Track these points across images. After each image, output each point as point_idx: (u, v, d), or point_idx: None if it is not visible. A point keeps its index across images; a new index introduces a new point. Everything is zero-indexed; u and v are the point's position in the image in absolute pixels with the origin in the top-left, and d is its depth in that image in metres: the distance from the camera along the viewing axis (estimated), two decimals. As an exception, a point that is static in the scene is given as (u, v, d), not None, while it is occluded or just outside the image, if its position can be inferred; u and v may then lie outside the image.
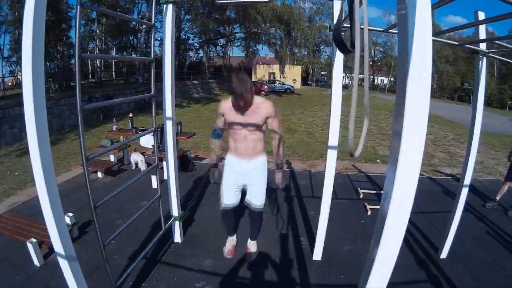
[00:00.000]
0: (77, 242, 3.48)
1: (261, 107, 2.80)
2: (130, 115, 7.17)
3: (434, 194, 5.35)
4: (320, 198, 3.10)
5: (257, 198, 3.12)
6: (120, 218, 3.95)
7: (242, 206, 3.29)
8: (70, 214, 3.47)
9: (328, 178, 3.03)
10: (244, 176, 3.07)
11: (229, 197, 3.15)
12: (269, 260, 3.37)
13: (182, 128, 6.59)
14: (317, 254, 3.36)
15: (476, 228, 4.04)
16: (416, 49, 1.07)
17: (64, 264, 1.91)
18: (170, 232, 3.57)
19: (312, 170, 6.59)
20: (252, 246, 3.42)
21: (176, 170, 3.37)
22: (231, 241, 3.52)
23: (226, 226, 3.49)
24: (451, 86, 41.66)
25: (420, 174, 5.64)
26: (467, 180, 3.06)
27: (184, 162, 6.03)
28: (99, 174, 5.54)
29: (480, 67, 2.83)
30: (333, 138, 2.92)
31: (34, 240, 3.00)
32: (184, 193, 4.97)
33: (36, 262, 3.03)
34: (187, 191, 5.13)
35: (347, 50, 1.15)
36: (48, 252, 3.19)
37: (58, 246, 1.84)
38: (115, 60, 26.17)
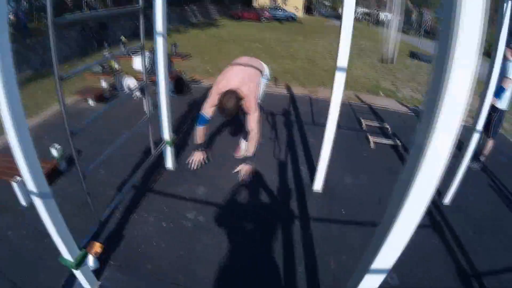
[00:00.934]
0: (66, 175, 3.15)
1: (243, 105, 2.83)
2: (122, 38, 6.49)
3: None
4: (320, 125, 2.74)
5: None
6: (109, 146, 3.57)
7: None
8: (57, 146, 3.13)
9: (334, 103, 2.62)
10: None
11: None
12: (266, 189, 3.11)
13: (177, 50, 5.99)
14: (318, 185, 3.08)
15: (481, 178, 3.65)
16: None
17: (39, 205, 1.55)
18: (161, 158, 3.25)
19: (313, 97, 6.13)
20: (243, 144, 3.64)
21: (167, 91, 2.94)
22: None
23: None
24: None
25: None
26: (479, 126, 2.73)
27: (179, 85, 5.54)
28: (91, 102, 5.06)
29: (504, 11, 2.34)
30: (343, 58, 2.45)
31: (19, 178, 2.62)
32: (178, 117, 4.58)
33: (23, 202, 2.70)
34: (182, 115, 4.72)
35: None
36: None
37: (30, 184, 1.46)
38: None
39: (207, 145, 3.66)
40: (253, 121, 2.88)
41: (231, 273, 2.20)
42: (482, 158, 3.84)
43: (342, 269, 2.27)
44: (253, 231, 2.58)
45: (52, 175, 3.02)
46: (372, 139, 4.19)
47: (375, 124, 4.87)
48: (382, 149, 4.09)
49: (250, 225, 2.64)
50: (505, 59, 3.43)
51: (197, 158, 3.22)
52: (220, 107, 2.71)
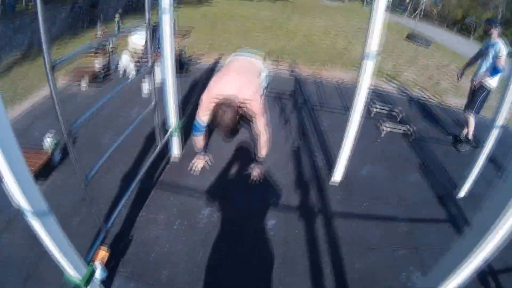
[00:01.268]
0: (60, 169, 2.76)
1: (248, 109, 2.38)
2: (117, 16, 5.97)
3: (447, 123, 4.53)
4: (331, 109, 2.50)
5: None
6: (108, 133, 3.24)
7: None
8: (50, 135, 2.74)
9: (361, 94, 2.37)
10: None
11: None
12: (282, 179, 2.85)
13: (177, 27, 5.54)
14: (337, 177, 2.85)
15: (492, 168, 3.25)
16: None
17: (36, 225, 1.26)
18: (166, 146, 2.93)
19: (319, 78, 5.81)
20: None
21: (174, 72, 2.60)
22: None
23: None
24: (450, 17, 38.63)
25: (428, 99, 4.85)
26: (499, 122, 2.48)
27: (178, 64, 5.15)
28: (83, 85, 4.59)
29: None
30: (374, 42, 2.24)
31: None
32: (180, 99, 4.18)
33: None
34: (182, 97, 4.30)
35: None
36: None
37: (23, 203, 1.15)
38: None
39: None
40: (261, 125, 2.52)
41: (254, 278, 1.96)
42: (470, 137, 3.82)
43: (368, 270, 2.09)
44: (272, 229, 2.33)
45: (45, 169, 2.66)
46: (383, 126, 3.93)
47: (383, 109, 4.58)
48: (393, 136, 3.86)
49: (268, 223, 2.39)
50: (492, 39, 3.48)
51: (199, 163, 2.87)
52: (216, 121, 2.26)
